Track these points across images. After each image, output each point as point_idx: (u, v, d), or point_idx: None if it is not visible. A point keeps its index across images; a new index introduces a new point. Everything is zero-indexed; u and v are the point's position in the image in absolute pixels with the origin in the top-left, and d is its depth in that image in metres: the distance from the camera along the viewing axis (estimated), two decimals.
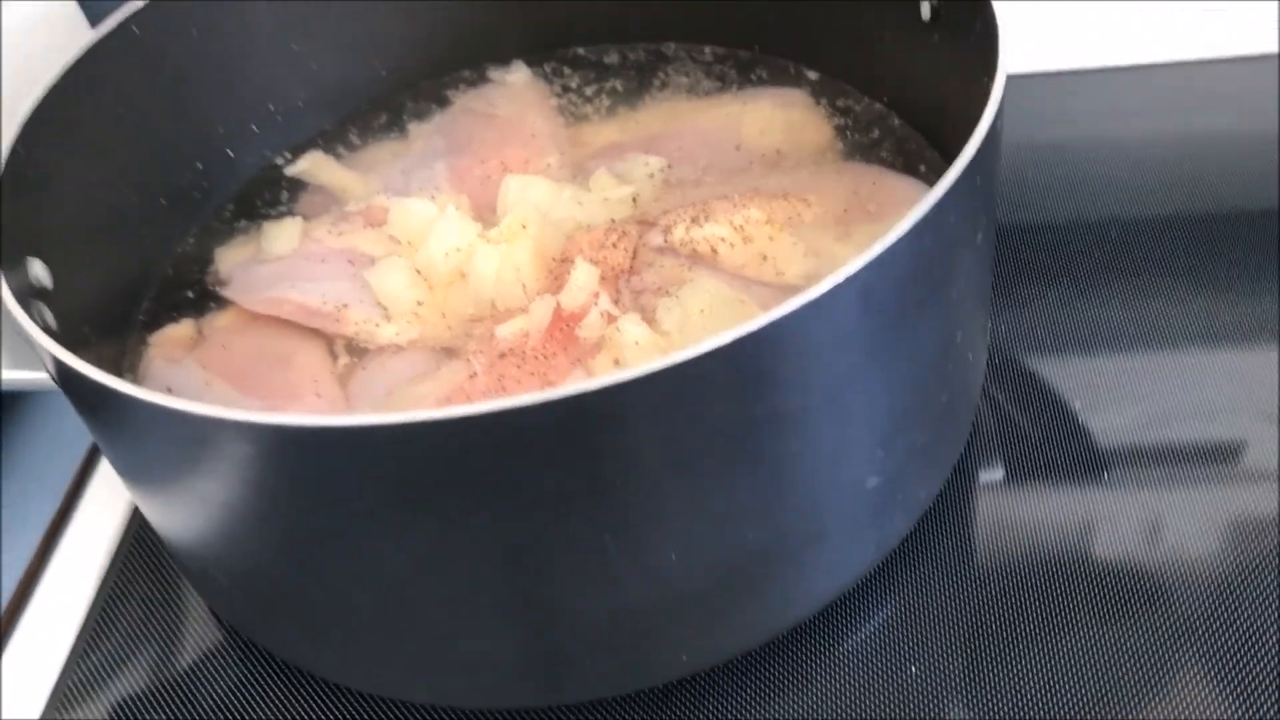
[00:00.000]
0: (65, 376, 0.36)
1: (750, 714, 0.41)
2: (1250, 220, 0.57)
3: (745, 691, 0.42)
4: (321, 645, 0.42)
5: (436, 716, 0.43)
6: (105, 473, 0.54)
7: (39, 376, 0.41)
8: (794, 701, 0.42)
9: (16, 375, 0.42)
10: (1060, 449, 0.49)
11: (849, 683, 0.42)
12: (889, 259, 0.32)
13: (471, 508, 0.34)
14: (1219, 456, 0.48)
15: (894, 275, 0.33)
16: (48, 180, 0.46)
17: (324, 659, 0.43)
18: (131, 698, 0.45)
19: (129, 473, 0.41)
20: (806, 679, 0.42)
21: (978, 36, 0.41)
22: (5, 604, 0.50)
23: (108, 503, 0.53)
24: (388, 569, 0.36)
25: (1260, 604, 0.43)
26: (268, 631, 0.44)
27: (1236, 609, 0.43)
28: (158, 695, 0.45)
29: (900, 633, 0.43)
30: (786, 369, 0.33)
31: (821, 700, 0.41)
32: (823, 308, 0.32)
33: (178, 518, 0.40)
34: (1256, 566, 0.44)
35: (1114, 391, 0.51)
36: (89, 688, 0.46)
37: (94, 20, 0.70)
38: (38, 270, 0.43)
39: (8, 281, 0.39)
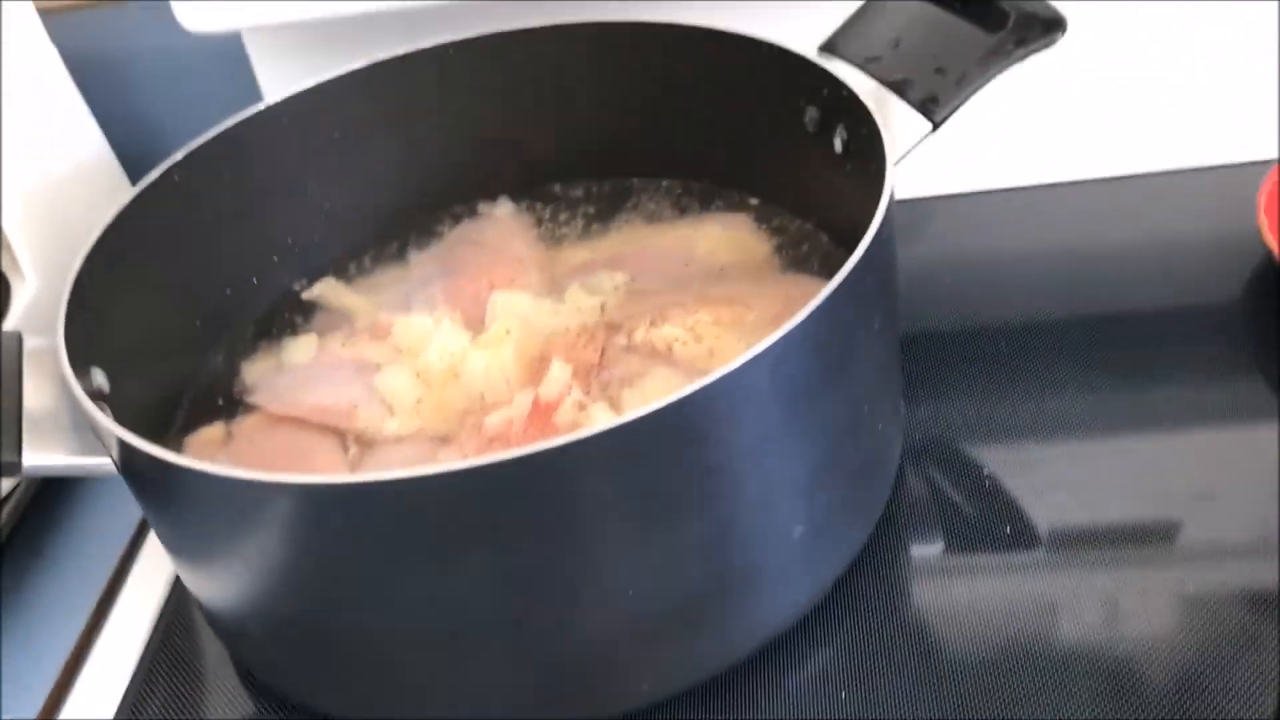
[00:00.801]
0: (129, 456, 0.44)
1: None
2: (1144, 320, 0.64)
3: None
4: (341, 687, 0.49)
5: None
6: (142, 563, 0.61)
7: (86, 462, 0.48)
8: None
9: (72, 461, 0.49)
10: (994, 525, 0.54)
11: (794, 713, 0.49)
12: (793, 338, 0.40)
13: (466, 550, 0.41)
14: (1145, 535, 0.53)
15: (799, 353, 0.41)
16: (104, 303, 0.53)
17: (342, 700, 0.49)
18: None
19: (178, 542, 0.48)
20: (756, 710, 0.49)
21: (876, 163, 0.50)
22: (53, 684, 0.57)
23: (148, 585, 0.59)
24: (399, 610, 0.44)
25: (1199, 679, 0.47)
26: (299, 682, 0.50)
27: (1163, 684, 0.47)
28: None
29: (838, 672, 0.50)
30: (714, 428, 0.41)
31: None
32: (740, 377, 0.40)
33: (220, 581, 0.48)
34: (1198, 642, 0.48)
35: (1044, 475, 0.56)
36: None
37: (130, 170, 0.81)
38: (99, 378, 0.51)
39: (80, 384, 0.47)
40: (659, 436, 0.40)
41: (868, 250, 0.43)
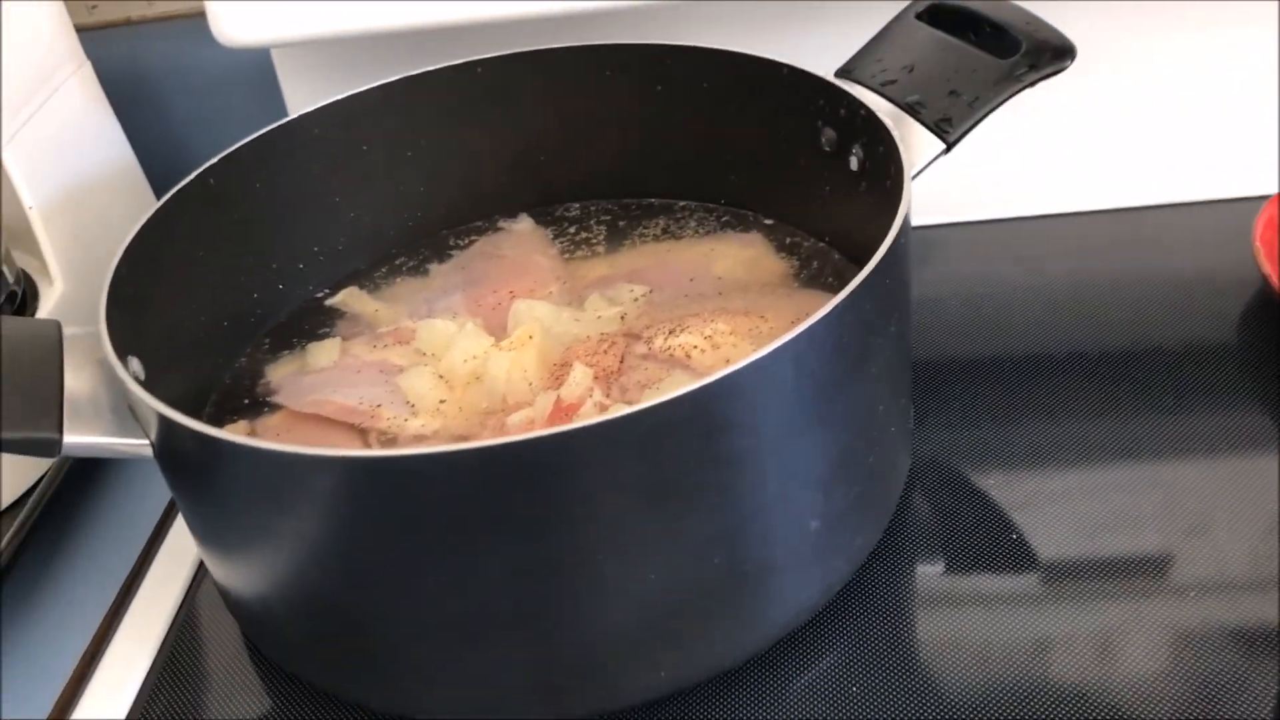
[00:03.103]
0: (168, 433, 0.45)
1: None
2: (1144, 351, 0.65)
3: (712, 714, 0.49)
4: (361, 673, 0.50)
5: None
6: (164, 554, 0.62)
7: (125, 443, 0.49)
8: None
9: (108, 441, 0.50)
10: (997, 548, 0.56)
11: (806, 714, 0.50)
12: (816, 332, 0.42)
13: (488, 532, 0.43)
14: (1143, 567, 0.54)
15: (821, 348, 0.43)
16: (141, 297, 0.55)
17: (365, 686, 0.50)
18: None
19: (208, 524, 0.50)
20: (766, 708, 0.49)
21: (891, 181, 0.52)
22: (71, 673, 0.58)
23: (169, 575, 0.60)
24: (423, 594, 0.45)
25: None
26: (319, 668, 0.51)
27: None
28: None
29: (848, 674, 0.51)
30: (735, 418, 0.42)
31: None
32: (763, 368, 0.41)
33: (246, 563, 0.49)
34: (1192, 678, 0.49)
35: (1044, 502, 0.57)
36: None
37: (154, 180, 0.83)
38: (135, 366, 0.52)
39: (123, 367, 0.48)
40: (680, 424, 0.41)
41: (889, 252, 0.45)
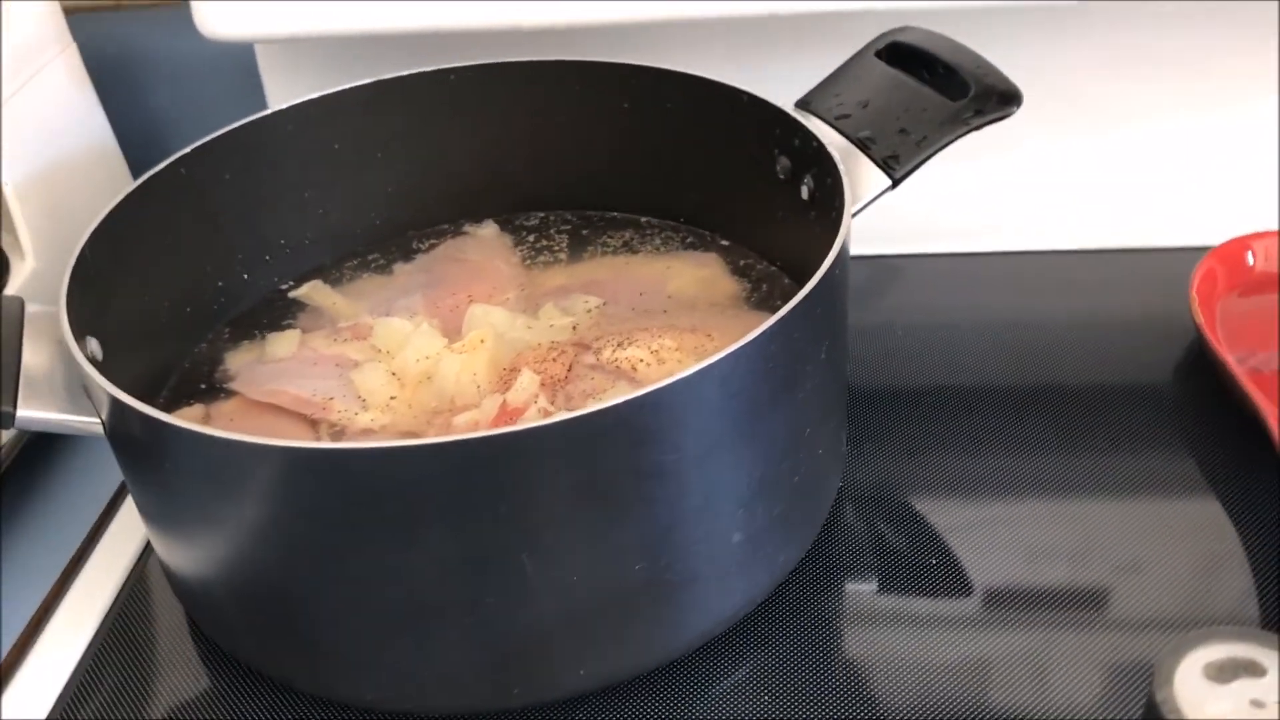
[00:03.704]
0: (118, 414, 0.47)
1: None
2: (1082, 390, 0.67)
3: (627, 715, 0.51)
4: (295, 657, 0.51)
5: None
6: (113, 531, 0.64)
7: (78, 419, 0.51)
8: None
9: (61, 417, 0.51)
10: (921, 571, 0.57)
11: (718, 713, 0.51)
12: (743, 355, 0.44)
13: (421, 525, 0.44)
14: (1077, 598, 0.56)
15: (748, 370, 0.45)
16: (105, 279, 0.56)
17: (297, 670, 0.52)
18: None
19: (154, 505, 0.51)
20: (682, 711, 0.51)
21: (836, 213, 0.54)
22: (14, 641, 0.59)
23: (117, 552, 0.62)
24: (357, 584, 0.47)
25: None
26: (256, 650, 0.53)
27: None
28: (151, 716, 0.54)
29: (764, 684, 0.53)
30: (663, 431, 0.44)
31: None
32: (690, 385, 0.43)
33: (191, 545, 0.50)
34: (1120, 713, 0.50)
35: (977, 532, 0.59)
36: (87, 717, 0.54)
37: (133, 165, 0.84)
38: (93, 346, 0.54)
39: (79, 347, 0.50)
40: (611, 434, 0.43)
41: (818, 284, 0.47)
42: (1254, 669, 0.40)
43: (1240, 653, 0.40)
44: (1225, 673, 0.40)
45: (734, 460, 0.47)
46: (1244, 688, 0.39)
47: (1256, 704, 0.39)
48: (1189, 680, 0.39)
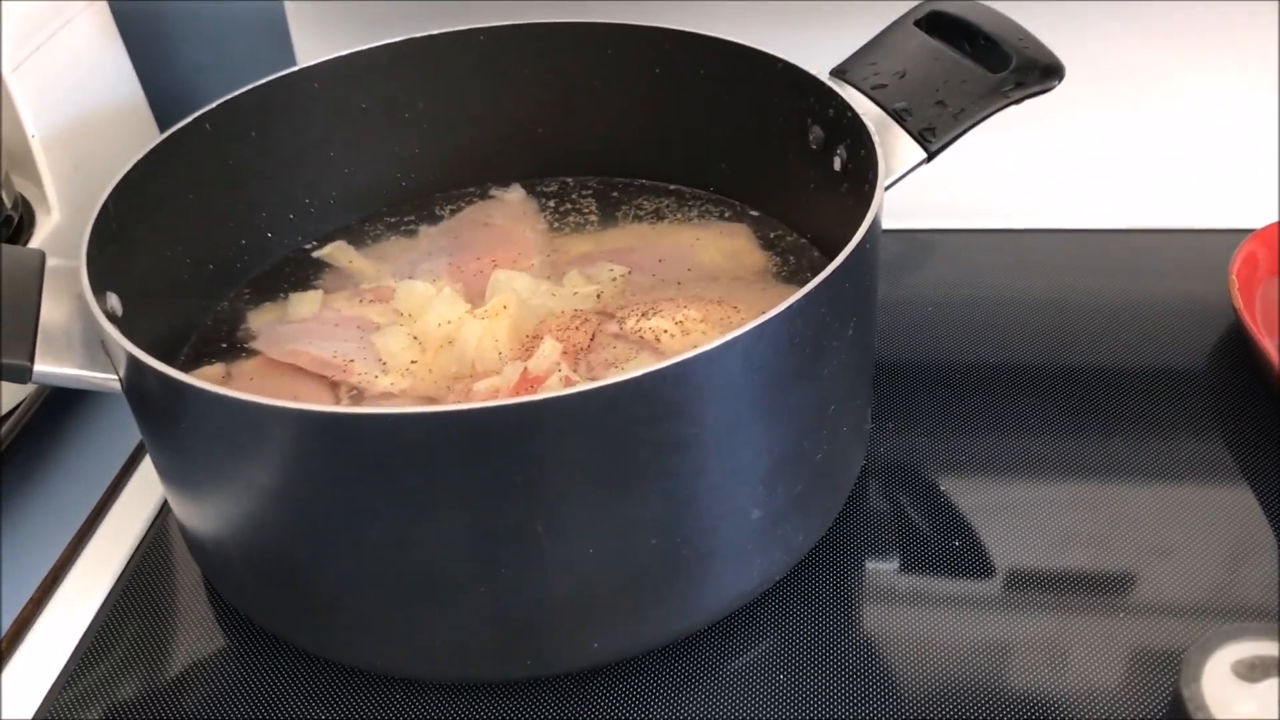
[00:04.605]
0: (135, 373, 0.47)
1: (641, 710, 0.50)
2: (1116, 372, 0.66)
3: (640, 689, 0.51)
4: (307, 619, 0.51)
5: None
6: (131, 489, 0.64)
7: (97, 376, 0.50)
8: (681, 705, 0.50)
9: (79, 373, 0.51)
10: (949, 552, 0.56)
11: (732, 696, 0.50)
12: (767, 330, 0.43)
13: (437, 494, 0.44)
14: (1103, 583, 0.55)
15: (772, 345, 0.44)
16: (127, 234, 0.56)
17: (308, 632, 0.52)
18: (142, 683, 0.53)
19: (171, 464, 0.51)
20: (697, 687, 0.51)
21: (869, 186, 0.53)
22: (29, 597, 0.59)
23: (135, 510, 0.62)
24: (371, 549, 0.46)
25: None
26: (269, 611, 0.53)
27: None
28: (165, 678, 0.53)
29: (779, 663, 0.52)
30: (684, 405, 0.43)
31: (706, 708, 0.50)
32: (713, 359, 0.42)
33: (207, 505, 0.50)
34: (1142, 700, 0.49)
35: (1004, 512, 0.58)
36: (101, 673, 0.54)
37: (161, 117, 0.84)
38: (113, 302, 0.53)
39: (97, 303, 0.49)
40: (631, 405, 0.42)
41: (847, 260, 0.46)
42: None
43: (1270, 651, 0.39)
44: (1255, 671, 0.39)
45: (755, 436, 0.46)
46: (1273, 687, 0.38)
47: None
48: (1217, 677, 0.38)
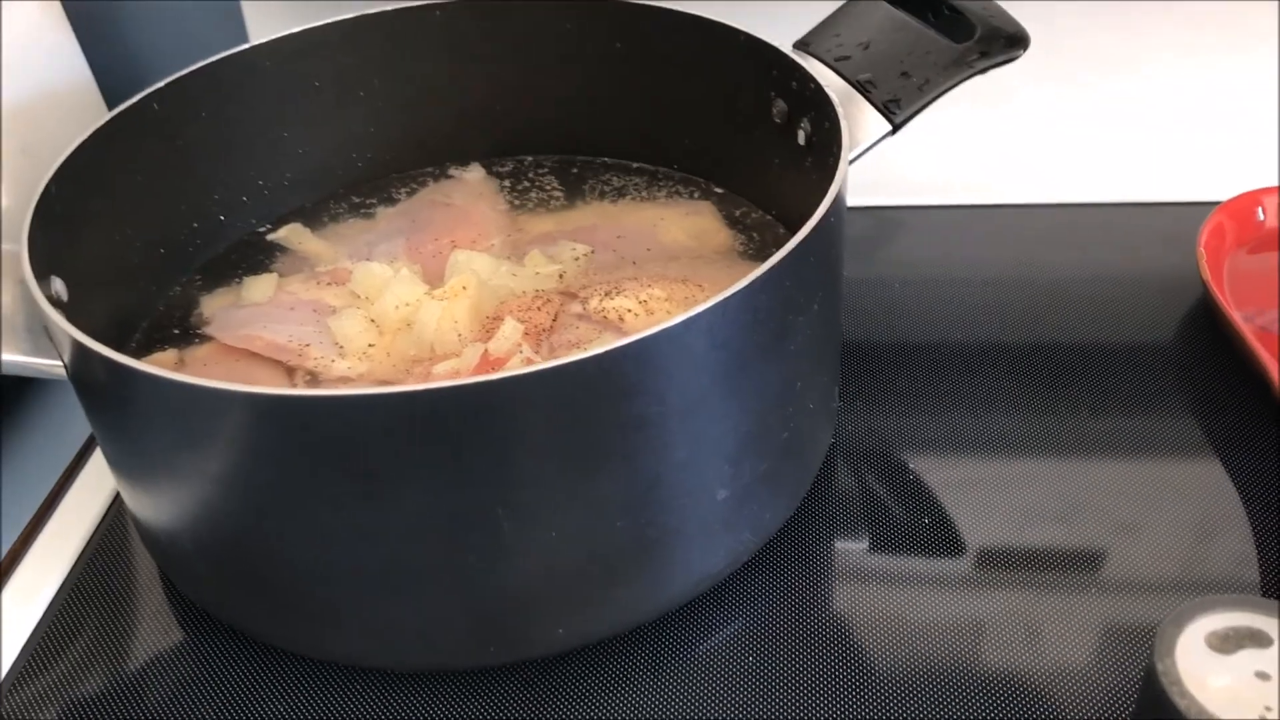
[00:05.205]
0: (80, 358, 0.45)
1: (609, 694, 0.49)
2: (1083, 348, 0.65)
3: (608, 674, 0.50)
4: (261, 610, 0.50)
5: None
6: (83, 479, 0.62)
7: (43, 363, 0.49)
8: (649, 689, 0.49)
9: (24, 360, 0.49)
10: (913, 530, 0.56)
11: (701, 679, 0.50)
12: (730, 305, 0.42)
13: (394, 478, 0.42)
14: (1074, 558, 0.54)
15: (735, 321, 0.43)
16: (72, 217, 0.54)
17: (265, 623, 0.50)
18: (98, 679, 0.52)
19: (120, 453, 0.49)
20: (665, 671, 0.50)
21: (833, 159, 0.52)
22: None
23: (88, 501, 0.60)
24: (325, 536, 0.45)
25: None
26: (224, 602, 0.51)
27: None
28: (121, 674, 0.52)
29: (748, 645, 0.51)
30: (646, 382, 0.42)
31: (674, 691, 0.49)
32: (675, 335, 0.41)
33: (158, 494, 0.49)
34: (1112, 675, 0.49)
35: (972, 489, 0.58)
36: (55, 670, 0.52)
37: (110, 98, 0.81)
38: (58, 286, 0.52)
39: (39, 288, 0.48)
40: (592, 384, 0.41)
41: (811, 233, 0.45)
42: (1259, 639, 0.38)
43: (1244, 622, 0.39)
44: (1229, 643, 0.38)
45: (720, 414, 0.45)
46: (1248, 659, 0.38)
47: (1261, 675, 0.37)
48: (1191, 651, 0.38)
